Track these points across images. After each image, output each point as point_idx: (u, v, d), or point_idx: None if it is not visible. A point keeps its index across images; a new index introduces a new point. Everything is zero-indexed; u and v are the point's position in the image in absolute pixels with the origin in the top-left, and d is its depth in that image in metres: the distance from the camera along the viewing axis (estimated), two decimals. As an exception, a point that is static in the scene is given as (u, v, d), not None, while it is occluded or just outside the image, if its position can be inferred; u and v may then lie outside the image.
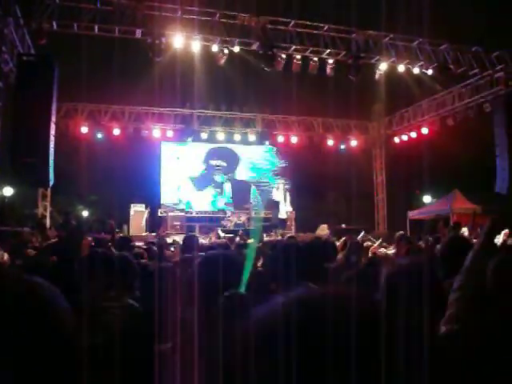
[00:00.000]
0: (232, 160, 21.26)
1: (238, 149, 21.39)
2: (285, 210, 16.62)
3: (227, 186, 20.83)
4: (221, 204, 20.26)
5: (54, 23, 13.03)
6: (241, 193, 19.91)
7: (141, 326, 2.58)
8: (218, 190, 20.72)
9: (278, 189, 16.67)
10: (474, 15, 17.13)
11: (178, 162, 20.33)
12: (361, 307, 0.81)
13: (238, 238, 7.12)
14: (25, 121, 11.64)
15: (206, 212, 20.08)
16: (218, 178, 20.80)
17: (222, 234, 13.45)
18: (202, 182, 20.69)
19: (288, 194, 17.14)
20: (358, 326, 0.77)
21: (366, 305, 0.84)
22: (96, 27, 13.40)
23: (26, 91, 11.83)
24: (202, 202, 20.32)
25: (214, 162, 20.90)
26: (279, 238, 14.32)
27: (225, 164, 21.04)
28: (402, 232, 8.32)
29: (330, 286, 0.98)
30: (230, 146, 21.23)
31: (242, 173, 21.17)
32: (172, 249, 7.33)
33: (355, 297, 0.83)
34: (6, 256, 5.37)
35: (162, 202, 19.68)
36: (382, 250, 7.73)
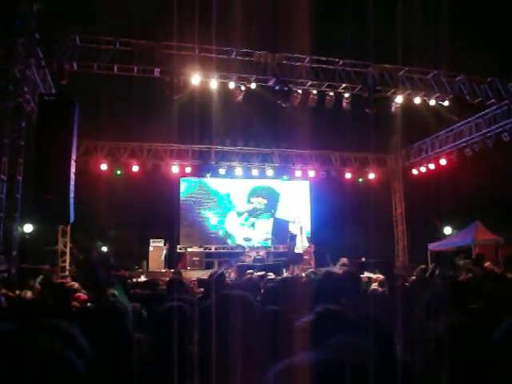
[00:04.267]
0: (273, 198, 21.55)
1: (278, 185, 21.75)
2: (301, 244, 16.49)
3: (268, 224, 21.08)
4: (240, 240, 20.31)
5: (75, 64, 13.36)
6: (280, 231, 19.87)
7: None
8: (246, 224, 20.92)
9: (294, 222, 16.57)
10: (488, 46, 17.20)
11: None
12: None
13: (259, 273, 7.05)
14: (46, 159, 11.81)
15: (224, 247, 20.08)
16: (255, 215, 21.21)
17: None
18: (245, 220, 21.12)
19: (303, 228, 17.05)
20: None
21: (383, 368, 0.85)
22: (115, 67, 13.70)
23: (47, 130, 12.05)
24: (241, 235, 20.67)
25: (254, 200, 21.12)
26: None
27: (265, 201, 21.26)
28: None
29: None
30: (270, 183, 21.66)
31: (283, 210, 21.32)
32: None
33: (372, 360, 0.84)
34: (29, 293, 5.39)
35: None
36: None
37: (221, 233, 20.51)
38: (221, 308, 2.14)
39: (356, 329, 1.90)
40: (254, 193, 21.28)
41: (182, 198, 20.50)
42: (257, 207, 21.13)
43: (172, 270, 15.20)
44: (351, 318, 2.17)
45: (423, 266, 8.68)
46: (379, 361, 0.88)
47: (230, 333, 1.95)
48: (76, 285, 5.39)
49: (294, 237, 16.32)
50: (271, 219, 21.12)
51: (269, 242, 20.43)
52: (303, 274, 10.33)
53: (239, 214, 20.91)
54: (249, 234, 20.63)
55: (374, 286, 7.45)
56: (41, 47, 12.87)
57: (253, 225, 20.93)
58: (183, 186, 20.59)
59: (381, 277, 8.32)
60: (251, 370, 1.80)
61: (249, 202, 21.14)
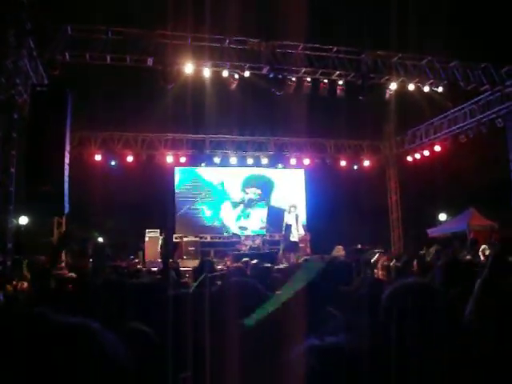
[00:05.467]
0: (267, 187, 21.59)
1: (273, 174, 21.79)
2: (297, 233, 16.53)
3: (263, 212, 21.13)
4: (235, 229, 20.31)
5: (67, 54, 13.27)
6: (275, 219, 19.84)
7: (155, 354, 2.54)
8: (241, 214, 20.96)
9: (289, 212, 16.61)
10: (482, 31, 17.17)
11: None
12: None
13: (254, 261, 7.02)
14: (39, 150, 11.74)
15: (220, 237, 20.08)
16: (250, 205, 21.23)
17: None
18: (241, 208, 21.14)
19: (299, 217, 17.09)
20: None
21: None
22: (108, 57, 13.61)
23: (39, 121, 11.95)
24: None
25: (248, 190, 21.12)
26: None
27: (260, 191, 21.30)
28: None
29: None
30: (264, 172, 21.64)
31: (278, 199, 21.37)
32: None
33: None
34: (25, 284, 5.40)
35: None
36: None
37: (216, 223, 20.53)
38: (220, 295, 2.14)
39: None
40: (249, 183, 21.25)
41: (176, 187, 20.50)
42: (252, 198, 21.13)
43: (169, 260, 15.20)
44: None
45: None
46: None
47: (229, 319, 1.95)
48: (74, 275, 5.40)
49: (288, 227, 16.39)
50: (266, 207, 21.13)
51: (264, 231, 20.45)
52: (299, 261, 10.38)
53: (234, 206, 20.90)
54: (244, 224, 20.66)
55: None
56: (32, 38, 12.75)
57: (248, 215, 20.95)
58: (178, 176, 20.57)
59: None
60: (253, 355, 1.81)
61: (244, 192, 21.11)
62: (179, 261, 14.71)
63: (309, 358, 0.91)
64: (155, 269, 10.02)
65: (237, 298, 2.07)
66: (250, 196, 21.11)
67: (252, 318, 2.04)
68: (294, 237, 16.35)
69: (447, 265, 3.44)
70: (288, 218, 16.50)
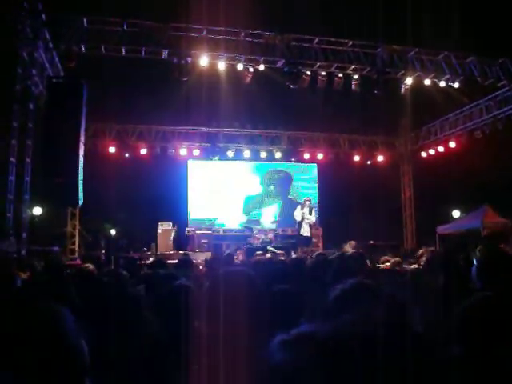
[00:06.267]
0: (285, 182, 21.63)
1: (289, 168, 21.78)
2: (308, 228, 16.49)
3: (276, 209, 21.18)
4: (248, 222, 20.29)
5: (83, 46, 13.33)
6: (289, 213, 19.80)
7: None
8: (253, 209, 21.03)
9: (303, 207, 16.56)
10: (499, 26, 16.96)
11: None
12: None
13: (268, 254, 7.03)
14: (54, 142, 11.83)
15: (232, 230, 20.08)
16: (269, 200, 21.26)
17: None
18: (255, 204, 21.05)
19: (313, 210, 17.03)
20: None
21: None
22: (123, 49, 13.64)
23: (55, 113, 12.05)
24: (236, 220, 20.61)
25: (268, 186, 21.28)
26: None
27: (278, 188, 21.42)
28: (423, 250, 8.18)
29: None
30: (280, 167, 21.64)
31: (293, 193, 21.51)
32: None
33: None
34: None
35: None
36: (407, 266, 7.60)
37: (229, 217, 20.49)
38: (223, 285, 2.14)
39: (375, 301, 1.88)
40: (266, 179, 21.23)
41: (189, 180, 20.49)
42: (269, 195, 21.16)
43: (180, 252, 15.28)
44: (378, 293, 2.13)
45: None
46: (389, 331, 0.87)
47: (234, 310, 1.95)
48: (90, 266, 5.41)
49: (299, 222, 16.38)
50: (281, 202, 21.13)
51: (276, 225, 20.41)
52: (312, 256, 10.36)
53: (248, 200, 20.86)
54: (256, 219, 20.66)
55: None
56: (48, 29, 12.82)
57: (259, 211, 20.95)
58: (191, 169, 20.56)
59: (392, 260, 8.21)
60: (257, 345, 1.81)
61: (263, 186, 21.14)
62: (191, 253, 14.75)
63: (276, 353, 0.90)
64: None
65: (230, 287, 2.06)
66: (267, 196, 21.14)
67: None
68: (306, 231, 16.32)
69: (489, 258, 3.09)
70: (297, 216, 16.47)
